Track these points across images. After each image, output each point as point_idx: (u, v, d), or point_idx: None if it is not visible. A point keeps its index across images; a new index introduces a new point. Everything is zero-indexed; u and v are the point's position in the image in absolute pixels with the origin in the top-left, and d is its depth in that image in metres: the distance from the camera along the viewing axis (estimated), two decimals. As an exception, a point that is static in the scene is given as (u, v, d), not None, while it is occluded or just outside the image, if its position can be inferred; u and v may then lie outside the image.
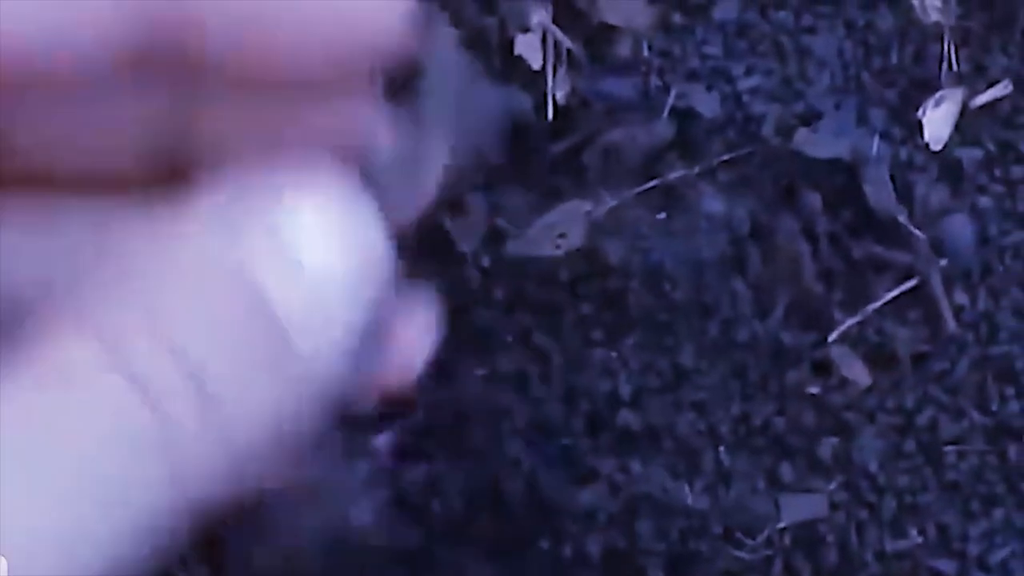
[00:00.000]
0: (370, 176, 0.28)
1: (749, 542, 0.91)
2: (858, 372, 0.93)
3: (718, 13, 0.96)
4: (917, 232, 0.94)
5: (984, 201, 0.96)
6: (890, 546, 0.92)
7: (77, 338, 0.25)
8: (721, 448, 0.92)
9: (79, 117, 0.27)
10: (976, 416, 0.93)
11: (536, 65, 0.94)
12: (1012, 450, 0.93)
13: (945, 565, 0.92)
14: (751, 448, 0.92)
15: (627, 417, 0.91)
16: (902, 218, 0.95)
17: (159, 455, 0.25)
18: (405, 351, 0.29)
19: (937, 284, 0.94)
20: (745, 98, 0.96)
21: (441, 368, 0.88)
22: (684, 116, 0.95)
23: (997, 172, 0.96)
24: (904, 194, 0.95)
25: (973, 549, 0.92)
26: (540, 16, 0.94)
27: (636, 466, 0.91)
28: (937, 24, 0.97)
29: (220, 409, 0.25)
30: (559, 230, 0.93)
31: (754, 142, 0.95)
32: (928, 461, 0.93)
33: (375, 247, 0.27)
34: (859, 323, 0.93)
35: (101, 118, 0.27)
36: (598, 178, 0.95)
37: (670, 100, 0.95)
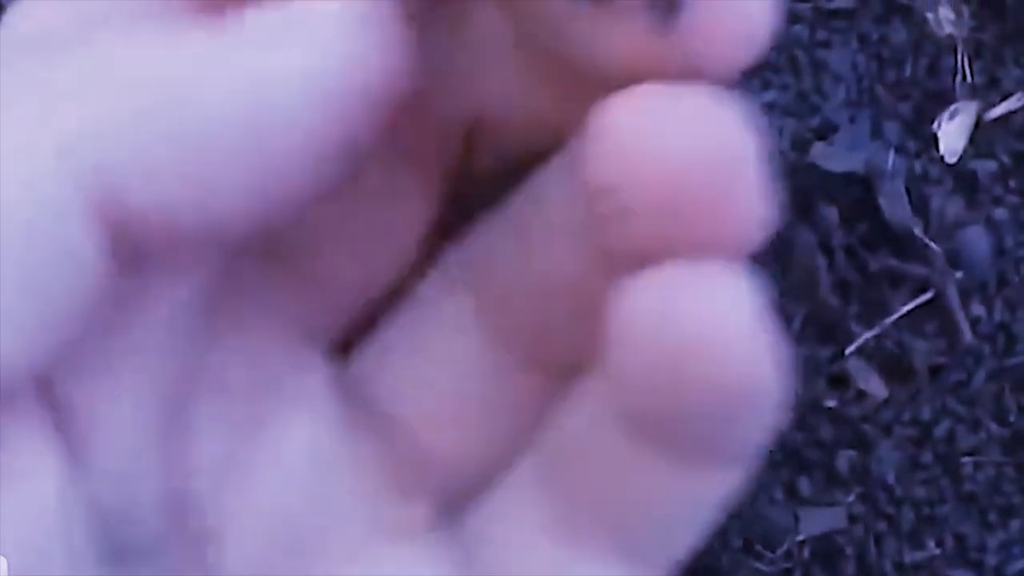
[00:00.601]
0: None
1: (769, 554, 0.91)
2: (875, 385, 0.94)
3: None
4: (933, 245, 0.95)
5: (999, 213, 0.96)
6: (908, 557, 0.93)
7: None
8: (740, 461, 0.92)
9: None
10: (993, 427, 0.94)
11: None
12: (1029, 461, 0.94)
13: (963, 575, 0.92)
14: (770, 461, 0.93)
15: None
16: (918, 231, 0.95)
17: None
18: None
19: (953, 296, 0.95)
20: (762, 112, 0.96)
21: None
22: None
23: (1012, 184, 0.97)
24: (919, 207, 0.96)
25: (991, 559, 0.93)
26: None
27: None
28: (950, 37, 0.98)
29: None
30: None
31: (770, 156, 0.95)
32: (945, 472, 0.94)
33: None
34: (876, 336, 0.94)
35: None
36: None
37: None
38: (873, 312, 0.94)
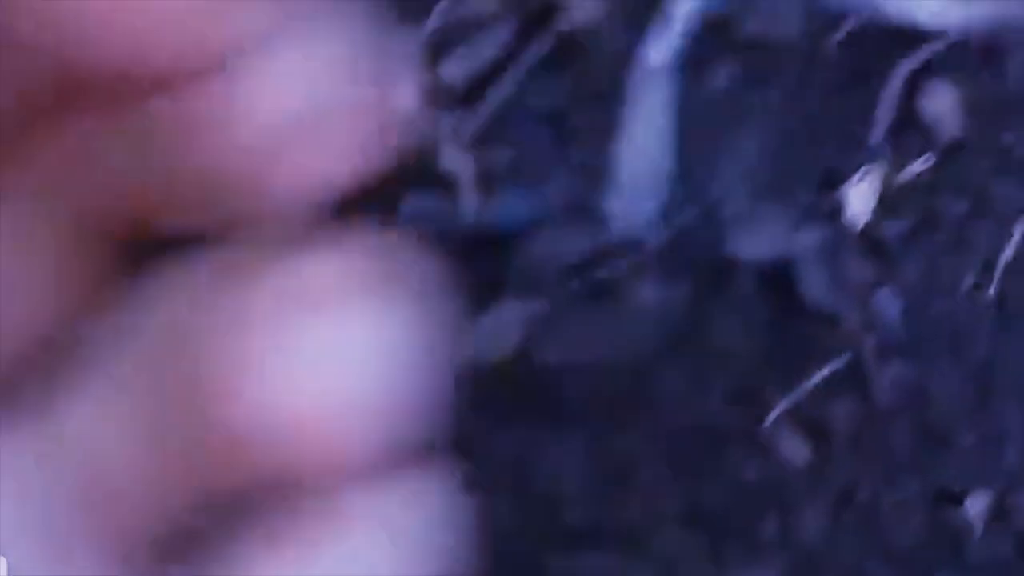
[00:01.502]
0: None
1: (699, 625, 0.93)
2: (796, 450, 0.96)
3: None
4: (847, 309, 0.97)
5: (910, 274, 0.98)
6: (840, 617, 0.95)
7: None
8: (667, 534, 0.94)
9: None
10: (914, 485, 0.96)
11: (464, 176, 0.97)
12: (952, 516, 0.96)
13: (895, 632, 0.94)
14: (696, 532, 0.95)
15: (574, 513, 0.94)
16: (832, 296, 0.97)
17: None
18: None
19: (869, 359, 0.97)
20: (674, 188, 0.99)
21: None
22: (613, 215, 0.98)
23: (921, 244, 0.99)
24: (832, 272, 0.98)
25: (920, 616, 0.95)
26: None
27: (584, 560, 0.93)
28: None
29: None
30: (496, 332, 0.96)
31: (685, 233, 0.98)
32: (870, 534, 0.95)
33: None
34: (794, 403, 0.96)
35: None
36: (533, 277, 0.97)
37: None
38: (791, 379, 0.97)
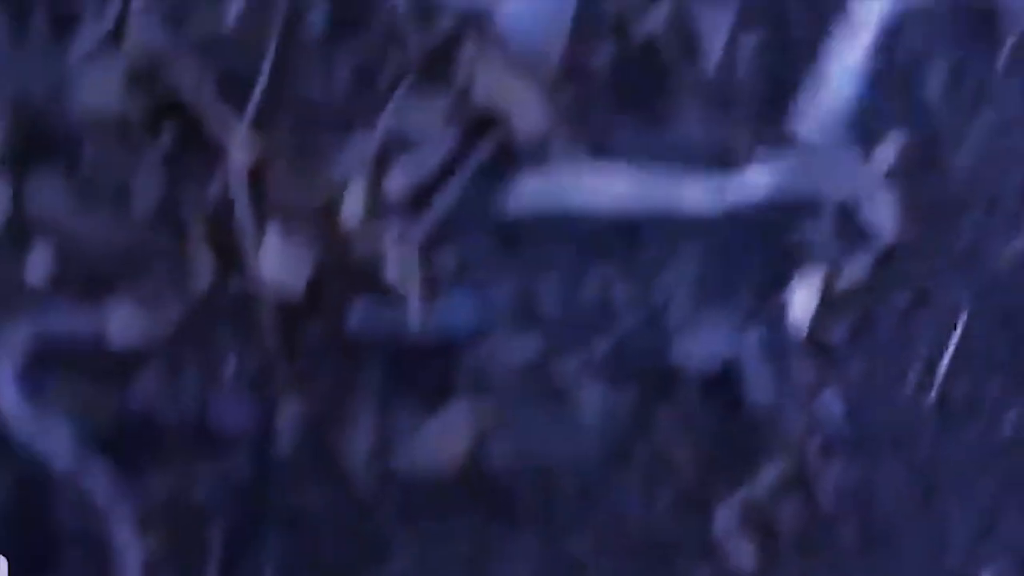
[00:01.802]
0: None
1: None
2: (744, 554, 0.96)
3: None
4: (791, 411, 0.98)
5: (853, 374, 0.99)
6: None
7: None
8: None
9: None
10: (862, 586, 0.96)
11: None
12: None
13: None
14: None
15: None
16: (776, 399, 0.98)
17: None
18: None
19: (813, 460, 0.97)
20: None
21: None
22: (560, 320, 0.99)
23: (863, 345, 1.00)
24: (776, 374, 0.99)
25: None
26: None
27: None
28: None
29: None
30: (445, 436, 0.97)
31: (630, 338, 0.99)
32: (818, 635, 0.96)
33: None
34: (742, 506, 0.96)
35: None
36: (481, 381, 0.98)
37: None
38: (737, 482, 0.97)
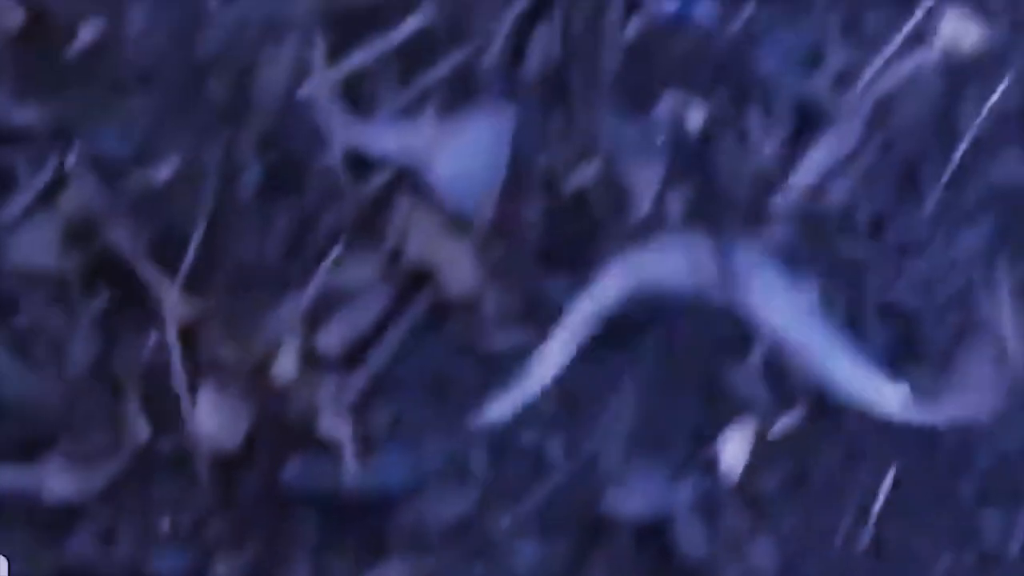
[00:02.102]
0: None
1: None
2: None
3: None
4: (724, 562, 0.98)
5: (786, 524, 1.00)
6: None
7: None
8: None
9: None
10: None
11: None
12: None
13: None
14: None
15: None
16: (709, 550, 0.99)
17: None
18: None
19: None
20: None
21: None
22: (494, 474, 0.99)
23: (796, 495, 1.00)
24: (709, 525, 0.99)
25: None
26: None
27: None
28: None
29: None
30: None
31: (563, 490, 0.99)
32: None
33: None
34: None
35: None
36: (416, 537, 0.98)
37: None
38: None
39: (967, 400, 1.00)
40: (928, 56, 1.04)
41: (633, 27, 1.03)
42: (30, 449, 0.98)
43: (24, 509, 0.97)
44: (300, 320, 0.99)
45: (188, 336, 0.99)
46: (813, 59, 1.04)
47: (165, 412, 0.98)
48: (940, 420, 0.99)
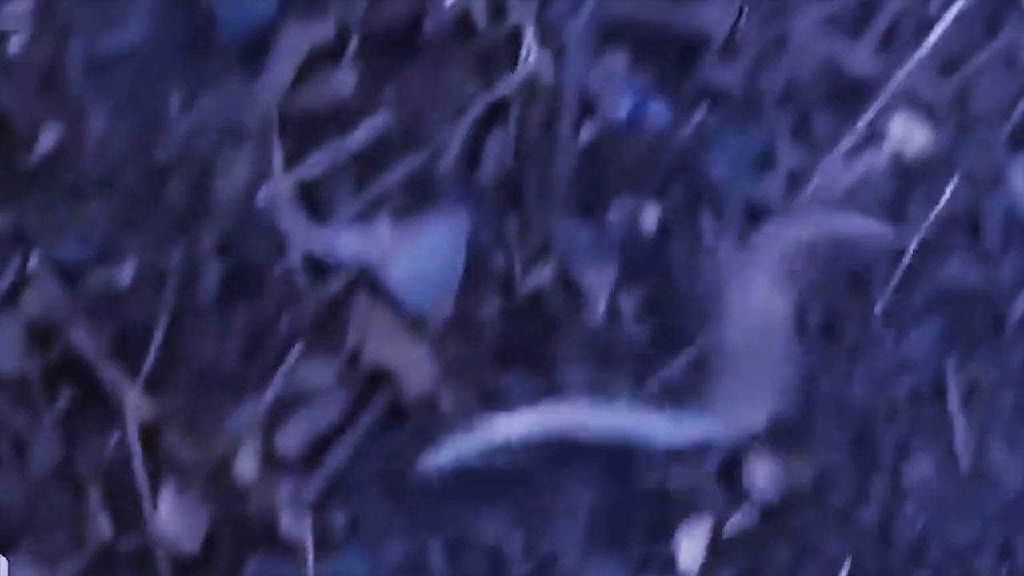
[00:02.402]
0: None
1: None
2: None
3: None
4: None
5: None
6: None
7: None
8: None
9: None
10: None
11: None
12: None
13: None
14: None
15: None
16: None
17: None
18: None
19: None
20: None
21: None
22: (451, 573, 1.00)
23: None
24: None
25: None
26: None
27: None
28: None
29: None
30: None
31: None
32: None
33: None
34: None
35: None
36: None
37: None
38: None
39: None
40: (877, 159, 1.06)
41: (587, 131, 1.05)
42: (-7, 549, 0.98)
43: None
44: (260, 421, 1.00)
45: (149, 436, 1.00)
46: (764, 162, 1.06)
47: (127, 511, 0.99)
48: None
